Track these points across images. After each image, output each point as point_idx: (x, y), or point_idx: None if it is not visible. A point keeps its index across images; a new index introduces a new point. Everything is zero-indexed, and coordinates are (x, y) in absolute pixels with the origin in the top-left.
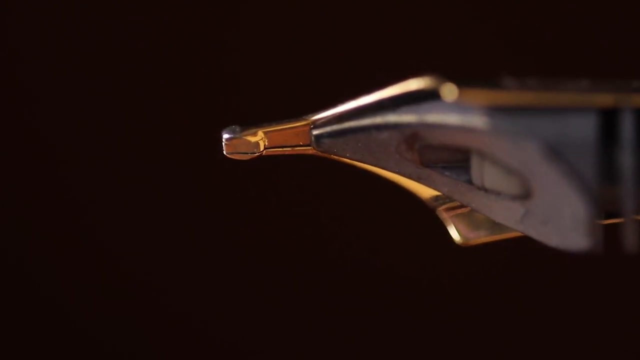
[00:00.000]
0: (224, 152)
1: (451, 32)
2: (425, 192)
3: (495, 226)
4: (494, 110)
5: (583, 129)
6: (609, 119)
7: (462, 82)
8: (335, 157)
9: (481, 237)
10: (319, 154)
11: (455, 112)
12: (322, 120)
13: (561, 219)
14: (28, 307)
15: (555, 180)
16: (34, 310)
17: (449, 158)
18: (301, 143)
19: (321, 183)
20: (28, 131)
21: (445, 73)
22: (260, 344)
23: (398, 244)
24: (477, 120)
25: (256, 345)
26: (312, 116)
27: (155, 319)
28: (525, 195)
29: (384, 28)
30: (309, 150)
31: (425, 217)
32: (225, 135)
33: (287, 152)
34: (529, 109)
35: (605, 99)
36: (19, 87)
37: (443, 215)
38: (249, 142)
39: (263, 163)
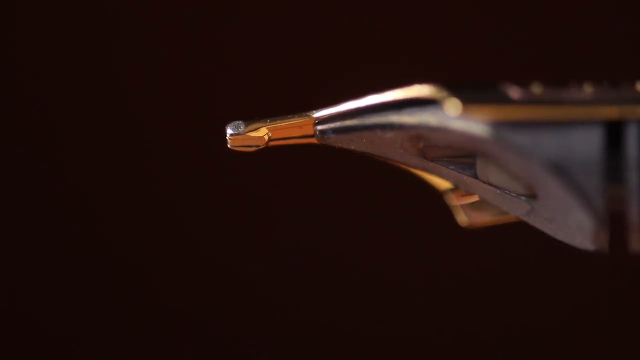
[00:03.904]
0: (228, 146)
1: (453, 29)
2: (431, 178)
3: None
4: (498, 124)
5: (588, 143)
6: (614, 127)
7: (466, 95)
8: (340, 147)
9: (486, 219)
10: (324, 143)
11: (459, 119)
12: (326, 117)
13: (566, 222)
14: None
15: (559, 192)
16: None
17: (454, 154)
18: (305, 135)
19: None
20: (28, 131)
21: (449, 81)
22: (255, 344)
23: (398, 240)
24: (480, 129)
25: (254, 344)
26: (314, 112)
27: (152, 319)
28: (530, 195)
29: (385, 24)
30: (313, 140)
31: (427, 208)
32: (229, 131)
33: (291, 143)
34: (533, 123)
35: (610, 112)
36: (19, 87)
37: (449, 198)
38: (253, 137)
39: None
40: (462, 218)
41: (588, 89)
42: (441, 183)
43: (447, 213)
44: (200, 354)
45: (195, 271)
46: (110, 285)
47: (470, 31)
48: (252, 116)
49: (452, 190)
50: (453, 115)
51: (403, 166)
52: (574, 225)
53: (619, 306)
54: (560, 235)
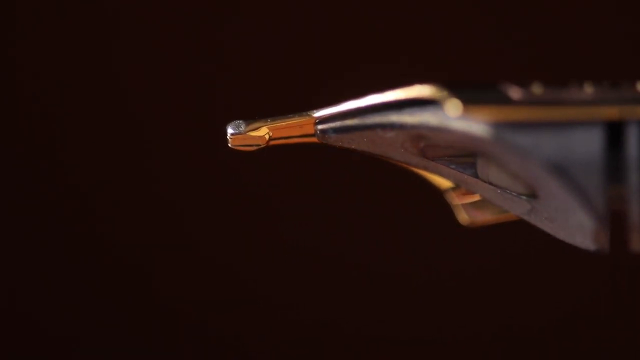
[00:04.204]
0: (229, 145)
1: (454, 29)
2: (432, 177)
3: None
4: (499, 124)
5: (588, 143)
6: (614, 127)
7: (466, 96)
8: (340, 146)
9: (487, 218)
10: (324, 142)
11: (460, 119)
12: (327, 117)
13: (567, 222)
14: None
15: (560, 193)
16: None
17: (455, 153)
18: (306, 134)
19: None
20: (28, 130)
21: (449, 81)
22: (256, 344)
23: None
24: (481, 130)
25: (254, 344)
26: (315, 112)
27: (152, 319)
28: (530, 194)
29: (385, 24)
30: (314, 140)
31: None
32: (230, 131)
33: (292, 142)
34: (533, 124)
35: (610, 112)
36: (19, 87)
37: (450, 196)
38: (254, 136)
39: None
40: (463, 216)
41: (588, 89)
42: (442, 182)
43: (448, 212)
44: (200, 354)
45: (195, 271)
46: (110, 285)
47: (470, 31)
48: (252, 116)
49: (452, 189)
50: (453, 116)
51: (404, 165)
52: (575, 225)
53: (619, 306)
54: (561, 235)
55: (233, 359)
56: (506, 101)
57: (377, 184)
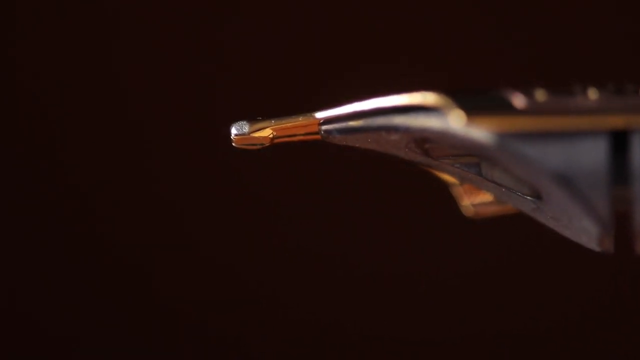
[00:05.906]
0: (233, 144)
1: (454, 30)
2: (437, 173)
3: None
4: (503, 134)
5: (594, 153)
6: (619, 135)
7: (470, 105)
8: (345, 145)
9: (492, 209)
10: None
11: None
12: (331, 119)
13: (572, 224)
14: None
15: (565, 201)
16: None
17: (459, 153)
18: (309, 132)
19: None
20: (29, 130)
21: (453, 89)
22: (256, 344)
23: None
24: (485, 138)
25: (255, 344)
26: (319, 113)
27: (152, 319)
28: (536, 196)
29: (385, 24)
30: (317, 137)
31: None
32: (234, 132)
33: (296, 140)
34: (538, 134)
35: (616, 122)
36: (19, 87)
37: (455, 189)
38: (257, 137)
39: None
40: (467, 209)
41: (593, 96)
42: (447, 177)
43: (452, 210)
44: (200, 354)
45: (195, 271)
46: (110, 285)
47: (470, 31)
48: (252, 116)
49: (458, 184)
50: (457, 126)
51: (408, 162)
52: (580, 229)
53: (624, 306)
54: (566, 233)
55: (234, 359)
56: (510, 110)
57: (380, 183)
